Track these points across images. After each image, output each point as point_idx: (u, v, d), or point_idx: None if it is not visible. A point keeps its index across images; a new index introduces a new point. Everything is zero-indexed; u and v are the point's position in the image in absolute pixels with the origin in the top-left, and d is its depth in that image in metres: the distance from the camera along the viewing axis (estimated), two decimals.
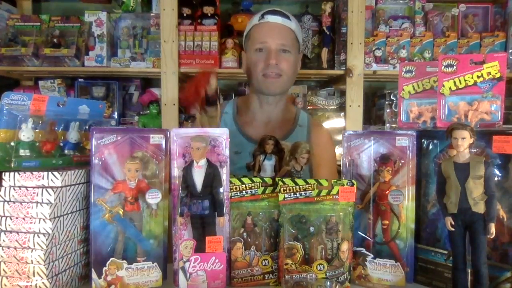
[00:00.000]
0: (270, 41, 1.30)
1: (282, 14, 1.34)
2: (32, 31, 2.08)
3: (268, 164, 0.99)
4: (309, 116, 1.53)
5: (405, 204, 0.89)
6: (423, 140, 0.93)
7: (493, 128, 0.91)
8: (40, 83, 2.17)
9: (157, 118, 2.06)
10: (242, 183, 0.88)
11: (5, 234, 0.79)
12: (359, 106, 2.04)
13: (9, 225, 0.79)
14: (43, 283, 0.78)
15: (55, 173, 0.80)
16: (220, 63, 2.05)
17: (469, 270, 0.79)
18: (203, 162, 0.85)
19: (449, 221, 0.79)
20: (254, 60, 1.33)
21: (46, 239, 0.78)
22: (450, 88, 0.94)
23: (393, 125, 2.12)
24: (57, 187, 0.79)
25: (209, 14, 2.06)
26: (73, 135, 0.94)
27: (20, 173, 0.80)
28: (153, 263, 0.87)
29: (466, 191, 0.77)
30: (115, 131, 0.85)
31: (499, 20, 2.23)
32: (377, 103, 2.32)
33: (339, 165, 1.03)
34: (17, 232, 0.79)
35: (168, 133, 0.87)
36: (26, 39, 2.06)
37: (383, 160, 0.89)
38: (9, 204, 0.80)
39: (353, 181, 0.86)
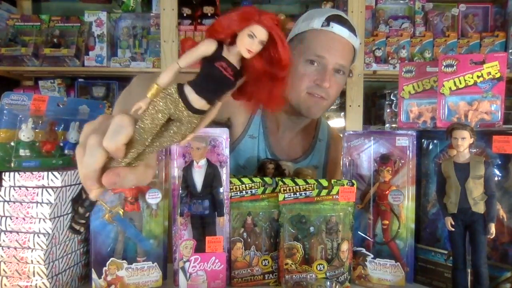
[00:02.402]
0: (329, 58, 1.08)
1: (349, 27, 1.11)
2: (32, 31, 2.09)
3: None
4: (329, 126, 1.40)
5: (405, 204, 0.89)
6: (423, 140, 0.93)
7: (493, 128, 0.92)
8: (40, 83, 2.17)
9: None
10: (242, 183, 0.88)
11: (5, 234, 0.79)
12: (359, 106, 2.04)
13: (9, 225, 0.79)
14: (43, 283, 0.78)
15: (55, 173, 0.80)
16: None
17: (469, 270, 0.79)
18: (203, 162, 0.85)
19: (449, 221, 0.79)
20: (302, 73, 1.10)
21: (46, 239, 0.78)
22: (450, 88, 0.94)
23: (393, 125, 2.12)
24: (57, 187, 0.79)
25: (209, 14, 2.06)
26: (73, 135, 0.94)
27: (20, 173, 0.80)
28: (153, 263, 0.87)
29: (466, 191, 0.77)
30: None
31: (499, 20, 2.23)
32: (377, 103, 2.33)
33: None
34: (17, 232, 0.79)
35: None
36: (26, 39, 2.06)
37: (383, 160, 0.89)
38: (9, 204, 0.79)
39: (353, 181, 0.86)
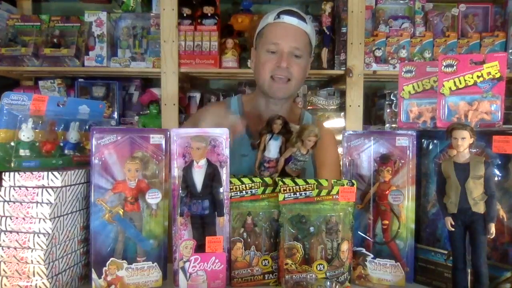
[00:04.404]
0: (283, 43, 1.27)
1: (298, 16, 1.30)
2: (32, 31, 2.08)
3: (274, 144, 0.97)
4: (313, 117, 1.51)
5: (405, 204, 0.89)
6: (423, 140, 0.93)
7: (493, 128, 0.92)
8: (40, 83, 2.17)
9: (157, 118, 2.06)
10: (242, 183, 0.88)
11: (5, 234, 0.79)
12: (359, 106, 2.04)
13: (9, 225, 0.79)
14: (43, 283, 0.78)
15: (55, 173, 0.80)
16: (220, 63, 2.05)
17: (469, 270, 0.79)
18: (203, 162, 0.85)
19: (449, 221, 0.79)
20: (264, 61, 1.30)
21: (46, 239, 0.78)
22: (450, 88, 0.94)
23: (393, 125, 2.12)
24: (57, 187, 0.79)
25: (209, 14, 2.05)
26: (73, 135, 0.94)
27: (20, 173, 0.80)
28: (153, 263, 0.87)
29: (466, 191, 0.77)
30: (115, 131, 0.85)
31: (499, 20, 2.23)
32: (377, 103, 2.32)
33: (339, 165, 1.02)
34: (17, 232, 0.79)
35: (168, 133, 0.88)
36: (26, 39, 2.06)
37: (383, 160, 0.90)
38: (9, 204, 0.80)
39: (353, 181, 0.86)
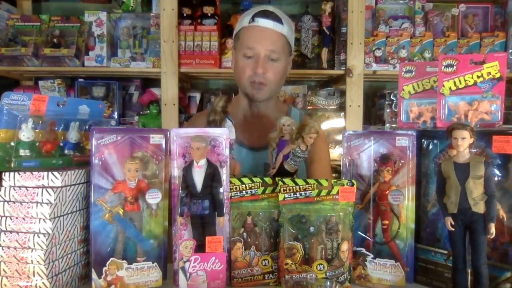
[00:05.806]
0: (259, 47, 1.26)
1: (274, 18, 1.28)
2: (32, 31, 2.08)
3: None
4: (302, 112, 1.50)
5: (405, 204, 0.89)
6: (423, 140, 0.93)
7: (493, 128, 0.92)
8: (40, 83, 2.17)
9: (157, 118, 2.06)
10: (242, 183, 0.88)
11: (5, 234, 0.79)
12: (359, 106, 2.04)
13: (9, 225, 0.79)
14: (43, 283, 0.78)
15: (55, 173, 0.80)
16: (220, 63, 2.05)
17: (469, 270, 0.79)
18: (203, 162, 0.85)
19: (449, 221, 0.79)
20: (242, 65, 1.30)
21: (46, 239, 0.78)
22: (450, 88, 0.94)
23: (393, 125, 2.12)
24: (57, 187, 0.79)
25: (209, 14, 2.06)
26: (73, 135, 0.94)
27: (20, 173, 0.80)
28: (153, 263, 0.87)
29: (466, 191, 0.77)
30: (115, 131, 0.85)
31: (499, 20, 2.23)
32: (377, 103, 2.32)
33: (339, 165, 1.02)
34: (17, 232, 0.79)
35: (168, 133, 0.88)
36: (26, 39, 2.06)
37: (383, 160, 0.90)
38: (9, 204, 0.80)
39: (353, 181, 0.86)
